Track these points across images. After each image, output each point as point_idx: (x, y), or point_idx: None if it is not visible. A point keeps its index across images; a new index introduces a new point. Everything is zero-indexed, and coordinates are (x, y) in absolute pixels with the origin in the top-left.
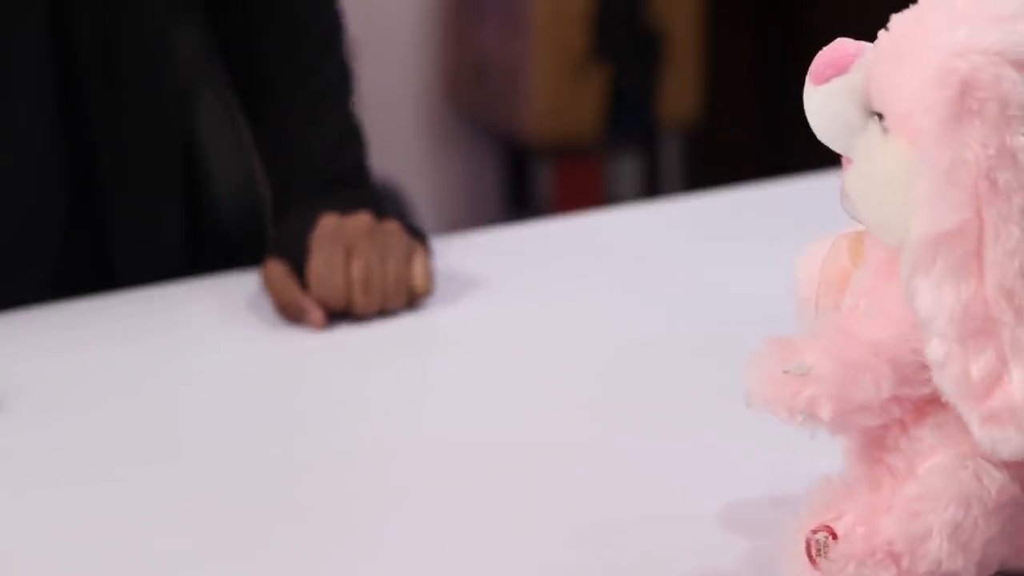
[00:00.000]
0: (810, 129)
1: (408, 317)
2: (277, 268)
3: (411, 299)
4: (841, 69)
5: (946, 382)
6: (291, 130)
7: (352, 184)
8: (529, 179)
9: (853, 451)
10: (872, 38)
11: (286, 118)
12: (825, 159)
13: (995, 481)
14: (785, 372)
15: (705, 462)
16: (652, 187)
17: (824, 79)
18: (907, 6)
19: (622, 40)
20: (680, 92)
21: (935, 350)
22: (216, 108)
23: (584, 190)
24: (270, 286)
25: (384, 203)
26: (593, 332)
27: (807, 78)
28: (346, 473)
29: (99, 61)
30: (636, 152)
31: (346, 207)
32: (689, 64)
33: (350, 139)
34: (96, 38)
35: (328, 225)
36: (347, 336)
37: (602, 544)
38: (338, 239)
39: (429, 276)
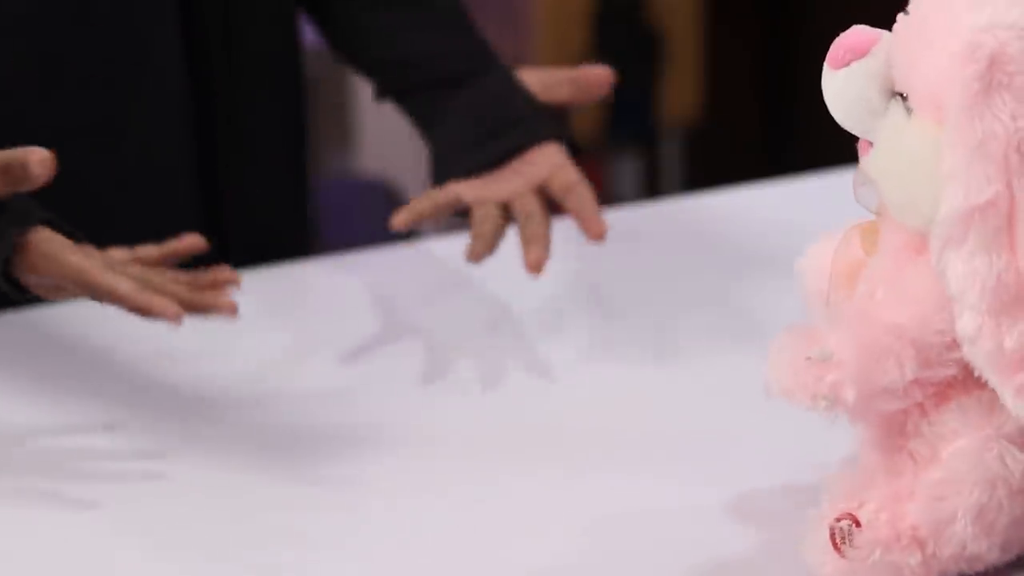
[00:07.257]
0: (810, 129)
1: (407, 316)
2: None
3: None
4: (860, 53)
5: (978, 356)
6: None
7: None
8: None
9: (871, 439)
10: None
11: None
12: (825, 159)
13: (1019, 462)
14: (808, 359)
15: (715, 453)
16: (652, 187)
17: (843, 63)
18: (906, 7)
19: (622, 40)
20: (680, 92)
21: (967, 324)
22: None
23: None
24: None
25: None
26: (594, 331)
27: (825, 63)
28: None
29: (220, 48)
30: (636, 152)
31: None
32: (689, 64)
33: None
34: (219, 24)
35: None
36: (351, 336)
37: (613, 537)
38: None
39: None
